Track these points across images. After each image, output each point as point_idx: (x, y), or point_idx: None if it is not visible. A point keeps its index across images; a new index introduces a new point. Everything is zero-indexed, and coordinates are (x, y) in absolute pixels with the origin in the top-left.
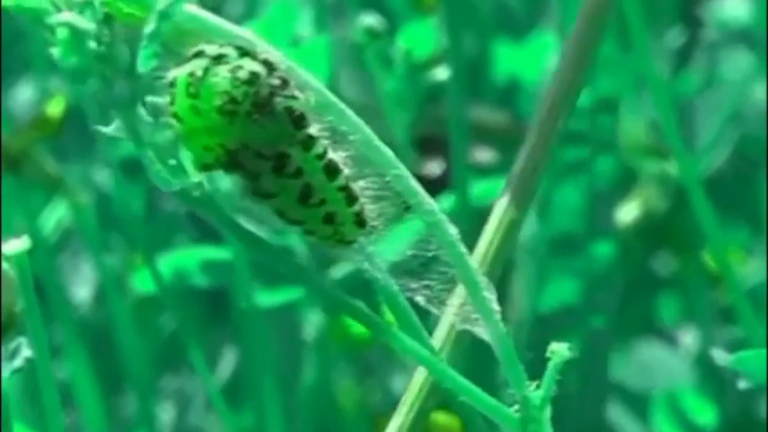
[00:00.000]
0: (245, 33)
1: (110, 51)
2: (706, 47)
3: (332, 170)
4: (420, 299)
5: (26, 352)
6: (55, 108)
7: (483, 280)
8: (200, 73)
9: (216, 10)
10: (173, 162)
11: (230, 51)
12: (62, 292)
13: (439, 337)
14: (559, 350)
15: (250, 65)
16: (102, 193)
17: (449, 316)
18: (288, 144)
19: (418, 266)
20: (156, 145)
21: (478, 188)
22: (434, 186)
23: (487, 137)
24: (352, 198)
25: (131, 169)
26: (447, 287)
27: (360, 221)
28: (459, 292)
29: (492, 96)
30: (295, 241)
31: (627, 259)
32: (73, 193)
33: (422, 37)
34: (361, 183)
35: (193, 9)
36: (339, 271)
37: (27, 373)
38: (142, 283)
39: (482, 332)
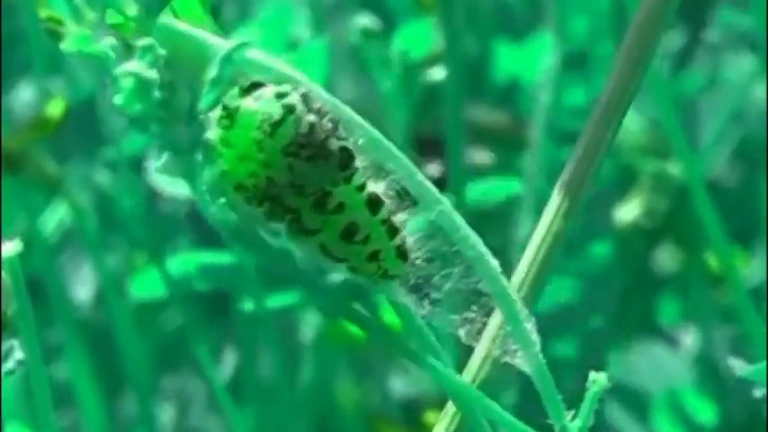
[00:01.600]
0: (299, 75)
1: (172, 97)
2: (707, 47)
3: (374, 203)
4: (462, 333)
5: (18, 354)
6: (54, 109)
7: (524, 312)
8: (276, 115)
9: (215, 12)
10: (222, 201)
11: (295, 99)
12: (63, 293)
13: (472, 368)
14: (599, 379)
15: (307, 111)
16: (102, 193)
17: (482, 347)
18: (333, 182)
19: (460, 301)
20: (209, 185)
21: (476, 190)
22: None
23: (487, 137)
24: (393, 231)
25: (131, 171)
26: (487, 320)
27: (402, 254)
28: (495, 323)
29: (491, 96)
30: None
31: (627, 259)
32: (73, 193)
33: (419, 37)
34: (401, 215)
35: (255, 54)
36: (338, 275)
37: (25, 374)
38: (141, 287)
39: (521, 364)
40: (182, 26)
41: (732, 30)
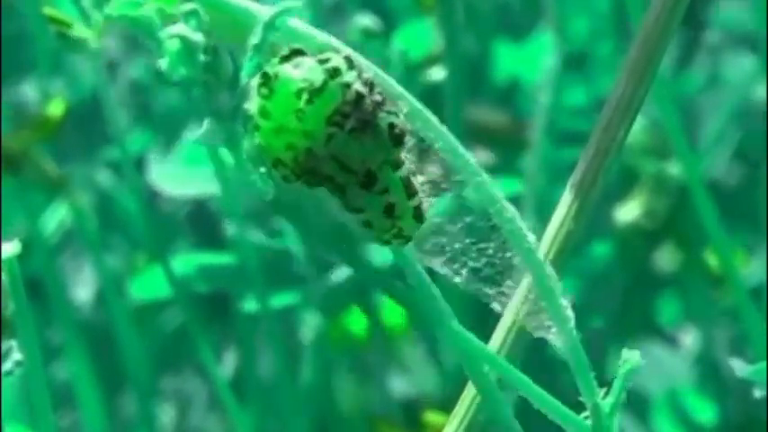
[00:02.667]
0: (343, 47)
1: (216, 62)
2: (707, 47)
3: (395, 162)
4: (496, 305)
5: (17, 355)
6: (55, 109)
7: (559, 287)
8: (318, 81)
9: None
10: (262, 170)
11: (340, 63)
12: (63, 293)
13: (497, 340)
14: (630, 358)
15: (357, 82)
16: (102, 193)
17: (507, 320)
18: (381, 159)
19: (495, 273)
20: (249, 154)
21: None
22: None
23: (487, 137)
24: (412, 191)
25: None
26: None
27: (418, 216)
28: (525, 296)
29: (491, 96)
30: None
31: (627, 259)
32: (73, 194)
33: (419, 37)
34: (421, 177)
35: (296, 22)
36: (339, 275)
37: (25, 375)
38: (141, 287)
39: (555, 339)
40: None
41: (732, 30)
